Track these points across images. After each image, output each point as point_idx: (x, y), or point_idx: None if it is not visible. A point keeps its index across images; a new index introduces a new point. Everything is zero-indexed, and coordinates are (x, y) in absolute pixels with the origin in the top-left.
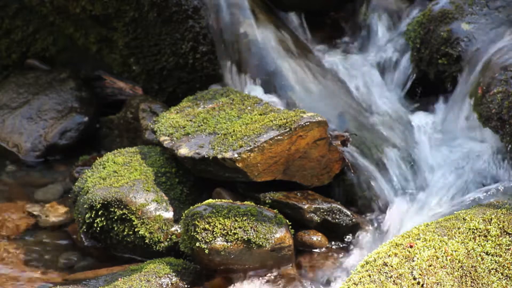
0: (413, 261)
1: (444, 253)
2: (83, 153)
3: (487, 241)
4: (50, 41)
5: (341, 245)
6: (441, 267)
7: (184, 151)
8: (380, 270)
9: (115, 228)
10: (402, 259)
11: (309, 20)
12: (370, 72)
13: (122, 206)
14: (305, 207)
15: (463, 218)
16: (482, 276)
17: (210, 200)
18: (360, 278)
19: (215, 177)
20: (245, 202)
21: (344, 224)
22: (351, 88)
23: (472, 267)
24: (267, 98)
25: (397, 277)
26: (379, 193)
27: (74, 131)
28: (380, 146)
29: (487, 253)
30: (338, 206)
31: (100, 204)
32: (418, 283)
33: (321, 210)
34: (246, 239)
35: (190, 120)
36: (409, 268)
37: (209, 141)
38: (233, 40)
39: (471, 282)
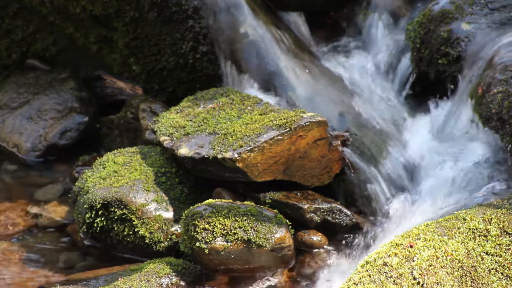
0: (413, 261)
1: (444, 253)
2: (83, 153)
3: (487, 241)
4: (50, 41)
5: (341, 245)
6: (441, 267)
7: (184, 151)
8: (380, 270)
9: (115, 228)
10: (402, 259)
11: (309, 20)
12: (370, 72)
13: (122, 206)
14: (305, 207)
15: (463, 218)
16: (482, 276)
17: (210, 200)
18: (360, 278)
19: (215, 177)
20: (245, 202)
21: (344, 224)
22: (351, 88)
23: (472, 267)
24: (267, 98)
25: (397, 277)
26: (379, 193)
27: (74, 131)
28: (380, 146)
29: (487, 253)
30: (338, 206)
31: (100, 204)
32: (418, 283)
33: (321, 210)
34: (246, 239)
35: (190, 120)
36: (409, 268)
37: (209, 141)
38: (233, 40)
39: (471, 282)
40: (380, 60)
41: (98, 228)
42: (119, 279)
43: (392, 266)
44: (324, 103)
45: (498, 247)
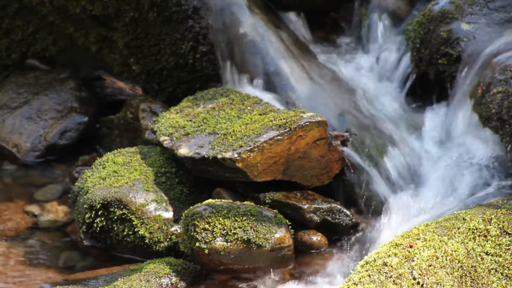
0: (413, 261)
1: (444, 253)
2: (83, 153)
3: (487, 241)
4: (50, 41)
5: (341, 245)
6: (441, 267)
7: (184, 151)
8: (380, 270)
9: (115, 228)
10: (402, 259)
11: (309, 20)
12: (370, 72)
13: (122, 206)
14: (305, 207)
15: (463, 218)
16: (482, 276)
17: (210, 200)
18: (360, 278)
19: (215, 177)
20: (245, 202)
21: (344, 224)
22: (351, 88)
23: (472, 267)
24: (267, 98)
25: (397, 277)
26: (379, 193)
27: (74, 131)
28: (380, 146)
29: (487, 253)
30: (338, 206)
31: (100, 204)
32: (418, 283)
33: (321, 210)
34: (246, 239)
35: (190, 120)
36: (409, 268)
37: (209, 141)
38: (233, 40)
39: (471, 282)
40: (380, 60)
41: (98, 228)
42: (119, 279)
43: (392, 266)
44: (324, 103)
45: (498, 247)
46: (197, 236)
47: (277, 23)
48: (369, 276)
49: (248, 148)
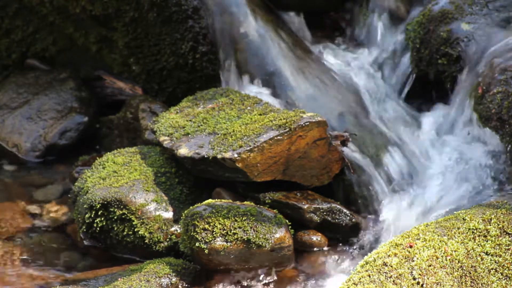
0: (413, 261)
1: (443, 253)
2: (83, 153)
3: (487, 241)
4: (50, 41)
5: (340, 245)
6: (441, 267)
7: (183, 151)
8: (380, 270)
9: (115, 228)
10: (401, 259)
11: (309, 20)
12: (369, 72)
13: (121, 206)
14: (305, 207)
15: (463, 218)
16: (481, 276)
17: (210, 200)
18: (360, 278)
19: (215, 177)
20: (245, 202)
21: (344, 224)
22: (351, 88)
23: (471, 267)
24: (267, 98)
25: (396, 277)
26: (379, 193)
27: (74, 131)
28: (380, 146)
29: (486, 253)
30: (338, 206)
31: (99, 204)
32: (418, 283)
33: (321, 210)
34: (246, 239)
35: (190, 120)
36: (408, 268)
37: (209, 141)
38: (233, 40)
39: (471, 282)
40: (380, 60)
41: (98, 228)
42: (119, 279)
43: (391, 266)
44: (324, 103)
45: (497, 247)
46: (197, 236)
47: (277, 23)
48: (369, 276)
49: (248, 148)
